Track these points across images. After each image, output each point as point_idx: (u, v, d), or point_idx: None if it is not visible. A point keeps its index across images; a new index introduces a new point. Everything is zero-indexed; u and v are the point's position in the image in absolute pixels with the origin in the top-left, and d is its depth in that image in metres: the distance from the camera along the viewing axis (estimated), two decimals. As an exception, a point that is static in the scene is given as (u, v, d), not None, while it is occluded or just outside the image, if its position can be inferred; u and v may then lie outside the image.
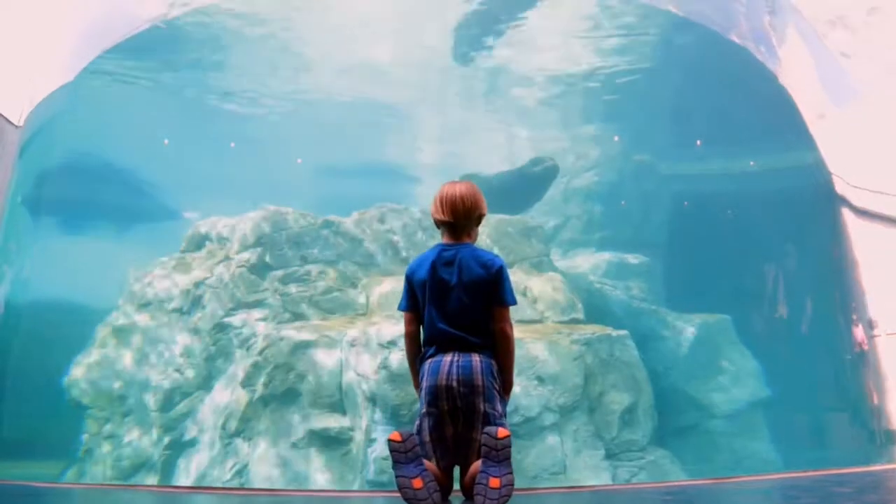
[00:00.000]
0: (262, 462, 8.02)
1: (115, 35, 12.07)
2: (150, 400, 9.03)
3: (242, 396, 8.45)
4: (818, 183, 11.60)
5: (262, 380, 8.38)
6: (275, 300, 9.49)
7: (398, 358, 7.77)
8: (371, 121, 14.76)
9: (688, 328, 10.50)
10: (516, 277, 9.32)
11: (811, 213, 11.71)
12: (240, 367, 8.78)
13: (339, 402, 8.23)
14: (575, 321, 9.24)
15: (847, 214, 11.34)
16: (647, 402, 8.57)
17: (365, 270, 10.20)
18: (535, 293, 9.50)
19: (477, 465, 2.92)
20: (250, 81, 14.24)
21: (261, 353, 8.66)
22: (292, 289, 9.64)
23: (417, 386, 3.20)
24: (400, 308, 3.30)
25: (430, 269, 3.15)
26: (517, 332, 3.29)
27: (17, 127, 10.70)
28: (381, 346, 8.03)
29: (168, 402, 8.96)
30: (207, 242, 10.41)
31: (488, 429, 2.88)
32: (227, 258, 9.97)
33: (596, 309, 9.95)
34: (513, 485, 2.86)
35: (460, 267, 3.13)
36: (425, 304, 3.16)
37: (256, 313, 9.40)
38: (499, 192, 11.95)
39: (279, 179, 13.45)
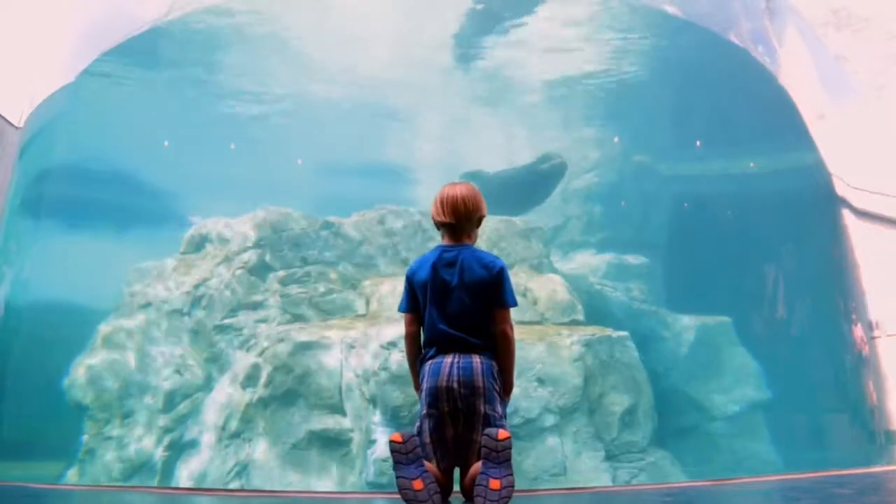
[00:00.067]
0: (263, 463, 8.02)
1: (116, 36, 12.07)
2: (151, 401, 9.02)
3: (242, 398, 8.45)
4: (818, 184, 11.59)
5: (262, 381, 8.38)
6: (275, 301, 9.49)
7: (398, 359, 7.77)
8: (371, 122, 14.76)
9: (688, 329, 10.50)
10: (516, 279, 9.31)
11: (811, 214, 11.71)
12: (240, 368, 8.78)
13: (339, 403, 8.23)
14: (575, 322, 9.24)
15: (847, 215, 11.34)
16: (647, 404, 8.57)
17: (365, 272, 10.20)
18: (535, 294, 9.49)
19: (477, 466, 2.92)
20: (250, 82, 14.24)
21: (261, 354, 8.66)
22: (292, 290, 9.64)
23: (418, 387, 3.20)
24: (400, 309, 3.31)
25: (431, 270, 3.15)
26: (517, 334, 3.29)
27: (17, 128, 10.70)
28: (382, 347, 8.03)
29: (168, 403, 8.96)
30: (207, 243, 10.40)
31: (488, 430, 2.88)
32: (227, 259, 9.97)
33: (596, 310, 9.95)
34: (513, 486, 2.86)
35: (461, 268, 3.13)
36: (426, 306, 3.16)
37: (256, 314, 9.40)
38: (506, 190, 11.92)
39: (279, 180, 13.44)
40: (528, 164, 12.53)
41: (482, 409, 3.02)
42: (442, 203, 3.21)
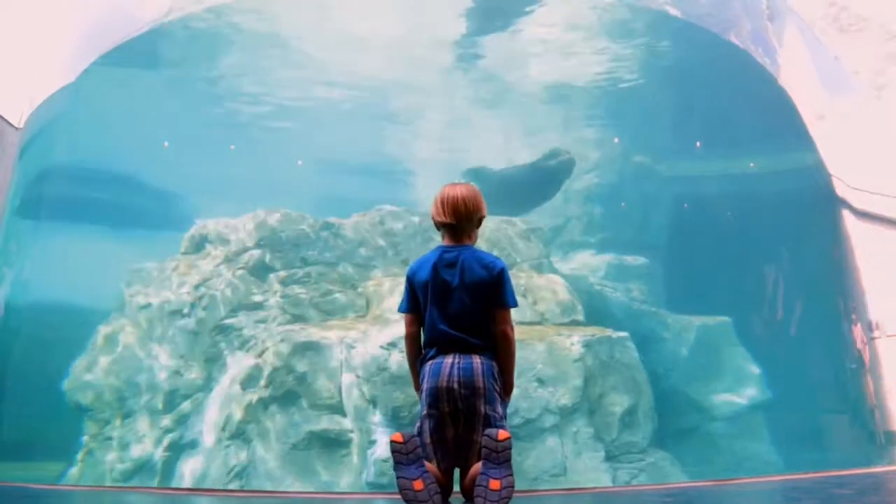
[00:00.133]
0: (263, 464, 8.02)
1: (116, 37, 12.08)
2: (151, 401, 9.02)
3: (243, 398, 8.44)
4: (818, 184, 11.60)
5: (262, 381, 8.38)
6: (275, 302, 9.49)
7: (398, 359, 7.77)
8: (371, 122, 14.76)
9: (688, 330, 10.51)
10: (517, 279, 9.31)
11: (811, 214, 11.71)
12: (240, 368, 8.78)
13: (339, 403, 8.23)
14: (575, 323, 9.24)
15: (847, 216, 11.35)
16: (647, 404, 8.57)
17: (365, 272, 10.20)
18: (535, 295, 9.49)
19: (477, 466, 2.92)
20: (250, 83, 14.24)
21: (261, 354, 8.66)
22: (293, 290, 9.64)
23: (418, 388, 3.21)
24: (400, 310, 3.31)
25: (431, 270, 3.15)
26: (517, 334, 3.29)
27: (17, 129, 10.71)
28: (382, 347, 8.03)
29: (168, 403, 8.96)
30: (208, 244, 10.40)
31: (489, 431, 2.88)
32: (227, 260, 9.97)
33: (596, 311, 9.95)
34: (513, 486, 2.86)
35: (462, 268, 3.13)
36: (426, 306, 3.16)
37: (257, 315, 9.40)
38: (512, 187, 11.87)
39: (279, 181, 13.44)
40: (535, 161, 12.45)
41: (482, 409, 3.02)
42: (442, 203, 3.22)
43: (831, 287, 11.33)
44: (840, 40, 12.11)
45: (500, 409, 3.08)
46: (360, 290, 9.84)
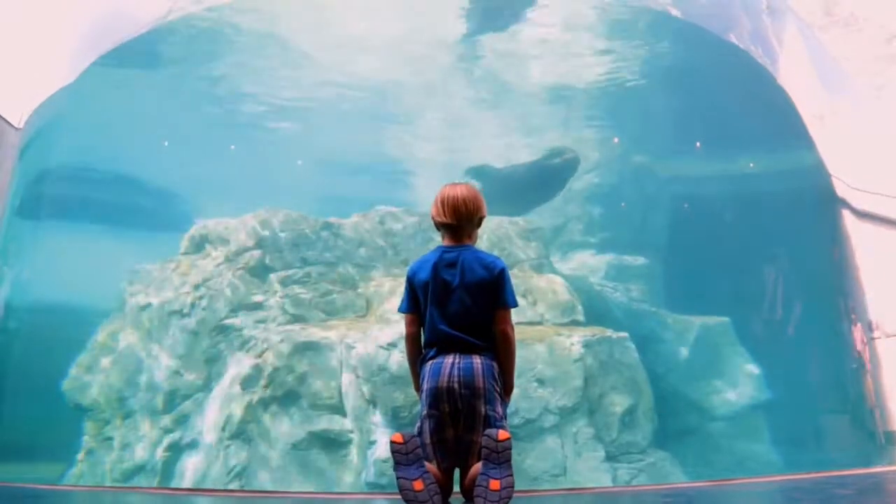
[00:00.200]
0: (262, 464, 8.02)
1: (116, 37, 12.08)
2: (150, 402, 9.02)
3: (243, 398, 8.44)
4: (818, 185, 11.61)
5: (262, 382, 8.38)
6: (275, 302, 9.49)
7: (398, 360, 7.77)
8: (371, 122, 14.76)
9: (688, 330, 10.50)
10: (516, 279, 9.30)
11: (811, 214, 11.72)
12: (240, 369, 8.78)
13: (339, 403, 8.22)
14: (575, 323, 9.23)
15: (847, 216, 11.35)
16: (647, 404, 8.56)
17: (365, 272, 10.20)
18: (535, 295, 9.49)
19: (477, 467, 2.92)
20: (250, 83, 14.24)
21: (261, 354, 8.66)
22: (293, 291, 9.64)
23: (418, 388, 3.21)
24: (400, 310, 3.31)
25: (432, 270, 3.15)
26: (517, 335, 3.29)
27: (17, 129, 10.71)
28: (382, 347, 8.03)
29: (168, 404, 8.95)
30: (207, 244, 10.40)
31: (489, 431, 2.89)
32: (227, 260, 9.96)
33: (596, 311, 9.94)
34: (513, 487, 2.86)
35: (462, 269, 3.13)
36: (426, 306, 3.16)
37: (257, 315, 9.40)
38: (515, 186, 11.84)
39: (279, 181, 13.43)
40: (539, 159, 12.40)
41: (482, 409, 3.02)
42: (442, 203, 3.22)
43: (831, 287, 11.33)
44: (840, 40, 12.12)
45: (500, 409, 3.09)
46: (360, 290, 9.84)
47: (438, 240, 3.32)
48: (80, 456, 8.89)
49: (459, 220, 3.20)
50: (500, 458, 2.84)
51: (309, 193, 13.16)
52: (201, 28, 13.12)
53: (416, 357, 3.24)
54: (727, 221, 12.35)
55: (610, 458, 8.03)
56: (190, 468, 8.44)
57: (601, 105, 14.36)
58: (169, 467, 8.58)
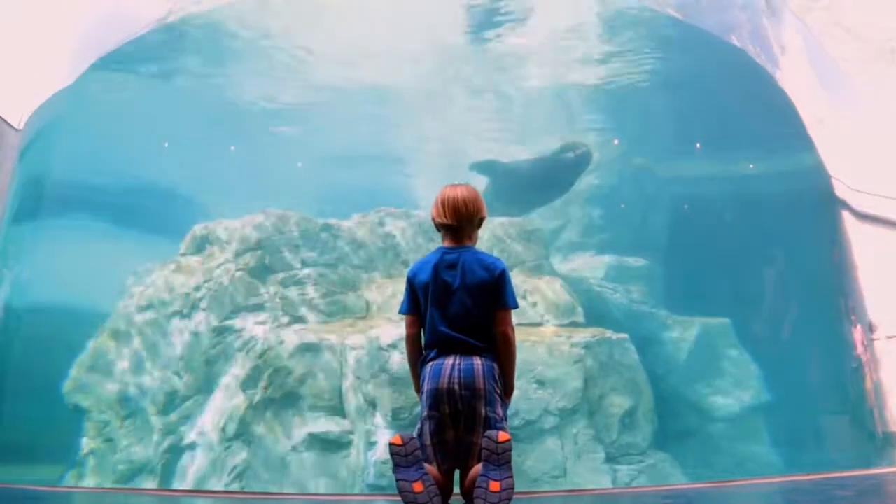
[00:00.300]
0: (262, 466, 8.01)
1: (116, 38, 12.08)
2: (150, 403, 9.01)
3: (242, 400, 8.44)
4: (818, 186, 11.61)
5: (261, 383, 8.38)
6: (274, 303, 9.48)
7: (398, 361, 7.76)
8: (371, 123, 14.76)
9: (688, 331, 10.50)
10: (516, 281, 9.27)
11: (811, 216, 11.71)
12: (239, 370, 8.77)
13: (339, 405, 8.22)
14: (575, 324, 9.23)
15: (847, 217, 11.35)
16: (647, 406, 8.56)
17: (365, 274, 10.20)
18: (534, 296, 9.49)
19: (477, 468, 2.92)
20: (250, 84, 14.24)
21: (260, 356, 8.65)
22: (292, 292, 9.63)
23: (418, 389, 3.21)
24: (401, 311, 3.31)
25: (432, 272, 3.15)
26: (517, 336, 3.29)
27: (17, 130, 10.72)
28: (382, 349, 8.03)
29: (167, 405, 8.95)
30: (207, 245, 10.39)
31: (489, 433, 2.89)
32: (226, 261, 9.96)
33: (596, 312, 9.94)
34: (513, 488, 2.86)
35: (463, 270, 3.13)
36: (427, 307, 3.16)
37: (256, 316, 9.39)
38: (525, 182, 11.76)
39: (279, 182, 13.43)
40: (550, 154, 12.31)
41: (483, 411, 3.02)
42: (443, 204, 3.22)
43: (831, 288, 11.33)
44: (840, 42, 12.13)
45: (500, 410, 3.08)
46: (360, 291, 9.83)
47: (439, 241, 3.32)
48: (80, 457, 8.88)
49: (460, 221, 3.20)
50: (501, 459, 2.84)
51: (309, 195, 13.15)
52: (201, 29, 13.12)
53: (417, 358, 3.25)
54: (727, 222, 12.34)
55: (610, 459, 8.03)
56: (190, 469, 8.43)
57: (601, 106, 14.36)
58: (169, 469, 8.58)
